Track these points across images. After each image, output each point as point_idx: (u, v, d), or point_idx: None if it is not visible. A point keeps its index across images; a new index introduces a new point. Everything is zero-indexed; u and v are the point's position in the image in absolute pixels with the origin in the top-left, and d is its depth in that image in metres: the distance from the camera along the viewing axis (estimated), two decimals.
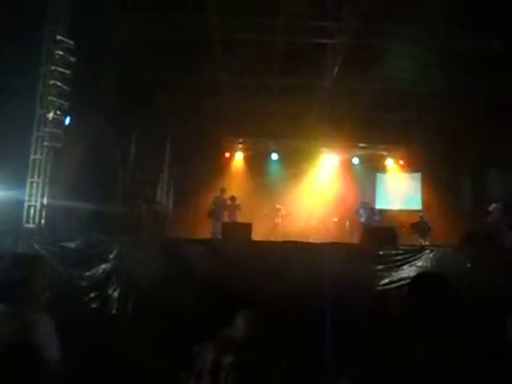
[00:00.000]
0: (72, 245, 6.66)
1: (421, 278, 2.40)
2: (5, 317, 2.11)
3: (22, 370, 1.98)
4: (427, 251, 6.98)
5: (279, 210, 13.10)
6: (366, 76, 11.12)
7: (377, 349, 2.15)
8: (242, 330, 2.36)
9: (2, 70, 6.20)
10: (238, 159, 15.91)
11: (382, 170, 16.42)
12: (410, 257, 6.90)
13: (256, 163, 15.63)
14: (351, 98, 12.34)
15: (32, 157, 7.10)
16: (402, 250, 7.01)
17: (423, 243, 10.55)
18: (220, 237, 8.40)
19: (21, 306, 2.18)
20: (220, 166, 15.21)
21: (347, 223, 13.60)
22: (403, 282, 6.37)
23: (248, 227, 7.77)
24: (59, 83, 7.20)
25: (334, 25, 9.22)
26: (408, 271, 6.65)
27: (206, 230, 11.16)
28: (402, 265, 6.73)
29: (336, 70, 10.53)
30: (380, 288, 6.58)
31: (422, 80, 10.90)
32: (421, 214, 12.68)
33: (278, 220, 12.82)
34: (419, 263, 6.83)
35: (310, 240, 12.52)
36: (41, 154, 7.17)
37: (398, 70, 10.39)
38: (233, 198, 11.94)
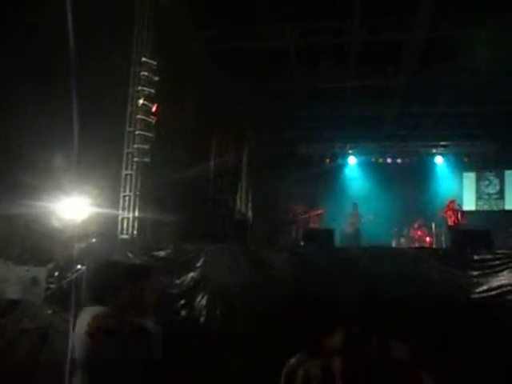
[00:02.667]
0: (162, 254, 6.99)
1: None
2: (107, 315, 2.26)
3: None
4: None
5: (357, 215, 12.79)
6: (446, 70, 10.56)
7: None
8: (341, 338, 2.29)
9: (96, 92, 6.70)
10: (317, 165, 15.76)
11: (469, 168, 15.41)
12: (510, 262, 6.37)
13: (335, 168, 15.44)
14: (431, 94, 11.80)
15: (124, 172, 7.60)
16: (500, 254, 6.49)
17: None
18: (302, 243, 8.36)
19: (122, 308, 2.33)
20: (299, 173, 15.14)
21: (434, 226, 12.92)
22: (504, 290, 5.89)
23: (331, 233, 7.65)
24: (145, 102, 7.64)
25: (410, 19, 8.86)
26: (508, 277, 6.13)
27: (286, 237, 11.19)
28: (502, 270, 6.22)
29: (413, 66, 10.12)
30: (477, 296, 6.14)
31: (507, 70, 10.12)
32: None
33: (359, 225, 12.50)
34: None
35: (396, 245, 12.10)
36: (131, 169, 7.64)
37: (481, 61, 9.76)
38: (313, 204, 11.88)
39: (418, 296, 5.79)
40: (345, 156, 15.61)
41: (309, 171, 15.58)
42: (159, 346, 2.37)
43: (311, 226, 11.67)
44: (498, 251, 6.64)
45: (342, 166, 15.67)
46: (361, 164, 15.61)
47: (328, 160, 15.69)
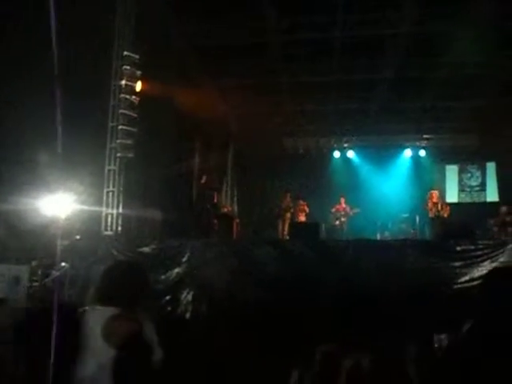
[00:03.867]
0: (147, 250, 6.96)
1: (497, 272, 2.26)
2: (124, 318, 2.23)
3: (142, 368, 2.09)
4: (510, 246, 6.53)
5: (345, 207, 12.85)
6: (429, 64, 10.67)
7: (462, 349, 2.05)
8: None
9: (78, 87, 6.60)
10: (302, 159, 15.82)
11: (452, 161, 15.59)
12: (491, 252, 6.49)
13: (320, 162, 15.51)
14: (415, 88, 11.91)
15: (107, 168, 7.52)
16: (481, 245, 6.61)
17: (504, 237, 9.86)
18: (287, 237, 8.39)
19: (132, 308, 2.30)
20: (285, 167, 15.17)
21: (417, 218, 13.05)
22: None
23: (316, 227, 7.71)
24: (128, 96, 7.55)
25: (394, 14, 8.90)
26: (490, 267, 6.24)
27: (272, 231, 11.21)
28: (483, 260, 6.35)
29: (398, 60, 10.19)
30: (460, 286, 6.25)
31: (489, 64, 10.27)
32: (500, 206, 11.85)
33: (345, 219, 12.57)
34: (502, 258, 6.41)
35: (380, 237, 12.19)
36: (114, 165, 7.56)
37: (464, 55, 9.88)
38: (299, 198, 11.90)
39: (402, 287, 5.87)
40: (330, 150, 15.68)
41: (294, 165, 15.63)
42: (158, 348, 2.35)
43: (297, 219, 11.71)
44: (480, 242, 6.78)
45: (327, 160, 15.73)
46: (346, 158, 15.70)
47: (313, 154, 15.74)
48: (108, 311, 2.24)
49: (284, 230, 10.18)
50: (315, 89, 12.09)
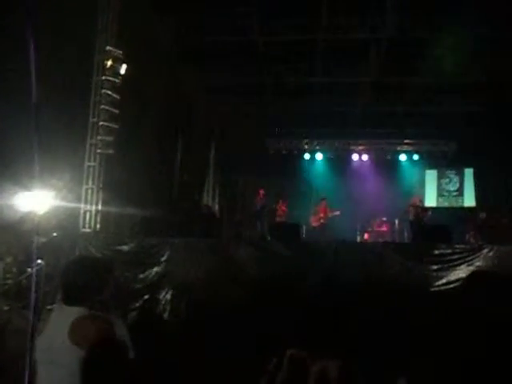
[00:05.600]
0: (125, 248, 6.86)
1: (475, 276, 2.31)
2: (91, 317, 2.16)
3: (113, 368, 2.03)
4: (485, 250, 6.66)
5: (326, 210, 12.93)
6: (409, 70, 10.82)
7: (430, 348, 2.08)
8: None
9: (57, 81, 6.47)
10: (284, 160, 15.87)
11: (431, 166, 15.87)
12: (468, 256, 6.61)
13: (302, 164, 15.61)
14: (395, 93, 12.08)
15: (86, 164, 7.39)
16: (458, 248, 6.73)
17: (480, 242, 10.07)
18: (268, 237, 8.39)
19: (101, 307, 2.23)
20: (266, 168, 15.20)
21: (396, 222, 13.24)
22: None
23: (297, 227, 7.72)
24: (109, 92, 7.44)
25: (377, 19, 9.01)
26: (466, 271, 6.36)
27: (253, 232, 11.20)
28: (460, 264, 6.46)
29: (379, 65, 10.31)
30: (436, 289, 6.34)
31: (468, 71, 10.49)
32: (477, 210, 12.12)
33: (326, 220, 12.65)
34: (478, 263, 6.53)
35: (360, 240, 12.32)
36: (94, 161, 7.44)
37: (443, 62, 10.06)
38: (281, 198, 11.91)
39: (381, 289, 5.93)
40: (312, 152, 15.78)
41: (276, 166, 15.67)
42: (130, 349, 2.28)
43: (278, 220, 11.73)
44: (457, 246, 6.89)
45: (309, 162, 15.83)
46: (327, 160, 15.81)
47: (295, 155, 15.84)
48: (74, 311, 2.16)
49: (264, 229, 10.17)
50: (298, 90, 12.16)
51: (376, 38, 9.40)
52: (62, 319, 2.15)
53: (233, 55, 10.28)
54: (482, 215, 11.33)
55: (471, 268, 6.40)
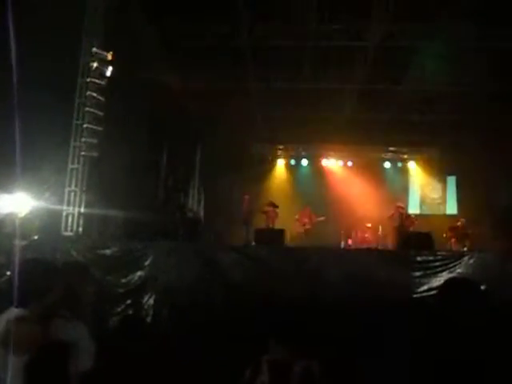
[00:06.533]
0: (108, 252, 6.79)
1: (451, 283, 2.36)
2: (21, 320, 2.10)
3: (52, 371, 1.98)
4: (466, 257, 6.77)
5: (311, 215, 12.97)
6: (395, 78, 10.97)
7: (414, 354, 2.12)
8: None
9: (41, 83, 6.40)
10: (270, 165, 15.93)
11: (414, 173, 16.07)
12: (449, 263, 6.71)
13: (287, 169, 15.68)
14: (381, 100, 12.21)
15: (70, 166, 7.30)
16: (440, 256, 6.82)
17: (461, 249, 10.23)
18: (253, 243, 8.38)
19: (46, 310, 2.17)
20: (252, 173, 15.22)
21: (380, 228, 13.33)
22: None
23: (281, 233, 7.73)
24: (95, 94, 7.38)
25: (364, 27, 9.11)
26: (447, 277, 6.45)
27: (238, 237, 11.16)
28: (442, 271, 6.55)
29: (365, 72, 10.41)
30: (418, 295, 6.41)
31: (452, 80, 10.69)
32: (459, 218, 12.30)
33: (310, 226, 12.68)
34: (459, 269, 6.64)
35: (344, 246, 12.37)
36: (78, 164, 7.35)
37: (428, 71, 10.23)
38: (271, 205, 11.91)
39: (365, 296, 5.96)
40: (297, 157, 15.84)
41: (263, 171, 15.71)
42: (86, 355, 2.20)
43: (271, 225, 11.87)
44: (439, 253, 7.00)
45: (294, 168, 15.88)
46: (312, 165, 15.88)
47: (281, 161, 15.89)
48: (13, 313, 2.10)
49: (249, 235, 10.15)
50: (284, 96, 12.21)
51: (363, 45, 9.49)
52: (2, 320, 2.11)
53: (220, 59, 10.28)
54: (462, 222, 11.53)
55: (453, 275, 6.49)
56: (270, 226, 11.37)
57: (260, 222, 11.74)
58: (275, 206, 11.88)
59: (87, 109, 7.34)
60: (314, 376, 1.89)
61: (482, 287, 2.18)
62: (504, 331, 1.97)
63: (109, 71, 7.54)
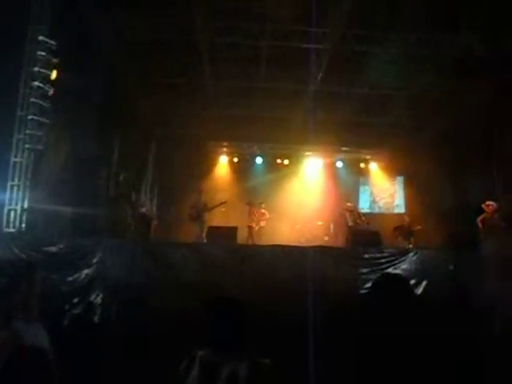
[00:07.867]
0: (54, 249, 6.54)
1: (382, 279, 2.45)
2: None
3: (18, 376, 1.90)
4: (411, 254, 7.06)
5: (263, 214, 13.07)
6: (349, 81, 11.25)
7: (362, 349, 2.18)
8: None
9: None
10: (223, 163, 15.93)
11: (366, 173, 16.57)
12: (395, 259, 6.96)
13: (241, 167, 15.74)
14: (335, 102, 12.49)
15: (13, 159, 6.96)
16: (386, 252, 7.07)
17: (407, 246, 10.65)
18: (205, 240, 8.33)
19: (6, 315, 2.09)
20: (204, 170, 15.18)
21: (331, 226, 13.65)
22: None
23: (233, 231, 7.74)
24: (41, 84, 7.07)
25: (319, 30, 9.26)
26: None
27: (189, 234, 11.09)
28: (387, 267, 6.78)
29: (320, 74, 10.60)
30: (365, 291, 6.60)
31: (403, 85, 11.12)
32: (405, 216, 12.81)
33: (263, 224, 12.78)
34: (404, 266, 6.90)
35: (295, 244, 12.55)
36: (21, 157, 7.02)
37: (381, 75, 10.56)
38: (220, 202, 11.88)
39: (314, 292, 6.07)
40: (252, 155, 15.91)
41: (216, 169, 15.68)
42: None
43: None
44: (385, 250, 7.26)
45: (249, 165, 15.94)
46: (267, 164, 16.00)
47: (236, 159, 15.91)
48: None
49: (202, 232, 10.09)
50: (241, 94, 12.23)
51: (320, 48, 9.64)
52: None
53: (176, 55, 10.13)
54: (407, 220, 12.03)
55: (398, 271, 6.74)
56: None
57: (213, 219, 11.72)
58: (223, 205, 11.88)
59: (32, 99, 7.01)
60: (238, 381, 1.90)
61: (412, 282, 2.28)
62: (435, 322, 2.07)
63: (56, 61, 7.23)
